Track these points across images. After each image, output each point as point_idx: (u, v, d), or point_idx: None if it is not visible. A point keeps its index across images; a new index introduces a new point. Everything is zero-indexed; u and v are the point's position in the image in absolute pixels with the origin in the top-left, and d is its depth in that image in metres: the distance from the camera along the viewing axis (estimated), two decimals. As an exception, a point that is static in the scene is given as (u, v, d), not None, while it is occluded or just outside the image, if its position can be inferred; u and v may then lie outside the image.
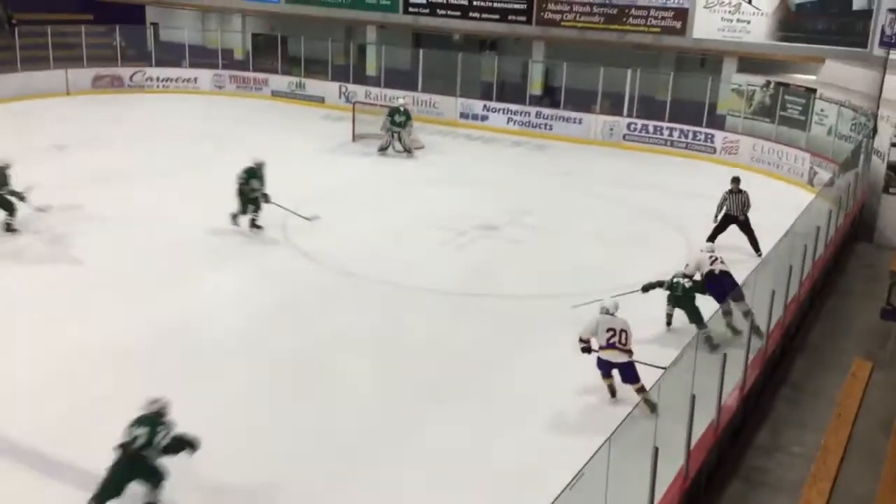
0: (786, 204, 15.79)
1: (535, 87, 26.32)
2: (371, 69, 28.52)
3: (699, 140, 22.66)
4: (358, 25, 29.40)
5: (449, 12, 27.12)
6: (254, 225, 15.00)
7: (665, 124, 23.22)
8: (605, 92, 24.18)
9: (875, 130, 17.59)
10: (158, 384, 9.59)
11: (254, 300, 12.23)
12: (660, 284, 11.33)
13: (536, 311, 12.23)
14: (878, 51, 20.15)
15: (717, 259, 11.23)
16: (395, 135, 21.40)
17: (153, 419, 7.53)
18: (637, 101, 23.82)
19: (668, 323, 11.52)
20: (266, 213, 15.62)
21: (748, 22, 23.09)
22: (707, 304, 10.79)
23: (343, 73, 27.97)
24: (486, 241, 15.27)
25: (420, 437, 9.05)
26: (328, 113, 26.27)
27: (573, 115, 24.33)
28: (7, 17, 28.42)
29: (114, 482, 7.38)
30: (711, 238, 14.03)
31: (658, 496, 6.50)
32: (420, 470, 8.47)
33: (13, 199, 14.27)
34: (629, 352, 9.35)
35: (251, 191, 14.77)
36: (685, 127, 22.93)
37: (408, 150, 21.37)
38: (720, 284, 10.84)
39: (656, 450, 6.19)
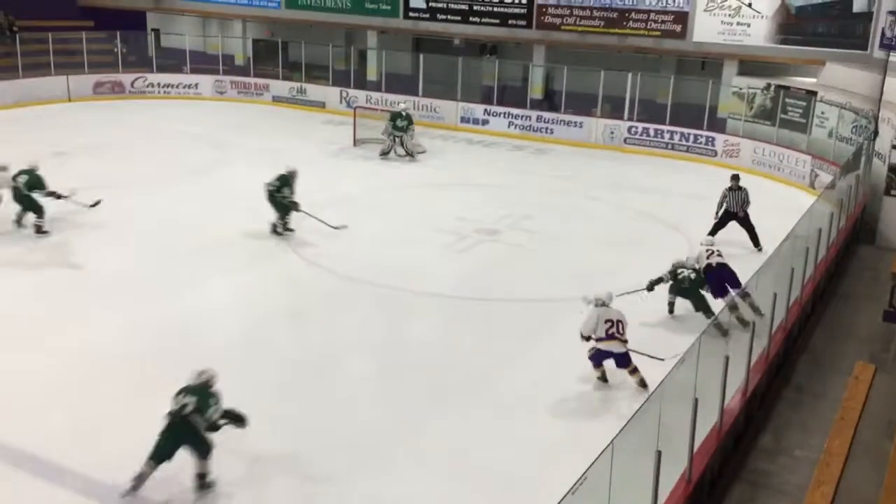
0: (787, 207, 15.81)
1: (536, 91, 26.35)
2: (372, 74, 28.58)
3: (700, 143, 22.66)
4: (358, 30, 29.46)
5: (449, 17, 27.17)
6: (275, 230, 15.08)
7: (666, 127, 23.22)
8: (606, 95, 24.20)
9: (876, 132, 17.59)
10: (163, 389, 9.58)
11: (258, 304, 12.22)
12: (662, 280, 11.80)
13: (538, 315, 12.22)
14: (878, 53, 20.16)
15: (714, 252, 11.74)
16: (397, 139, 21.43)
17: (200, 389, 7.86)
18: (638, 105, 23.84)
19: (671, 311, 11.99)
20: (266, 220, 15.64)
21: (748, 25, 23.12)
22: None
23: (344, 77, 28.01)
24: (487, 245, 15.27)
25: (423, 438, 9.04)
26: (329, 118, 26.30)
27: (574, 118, 24.35)
28: (8, 24, 28.46)
29: (165, 447, 7.75)
30: (711, 234, 14.20)
31: (661, 500, 6.49)
32: (422, 470, 8.47)
33: (44, 200, 14.53)
34: (626, 341, 9.74)
35: (283, 198, 14.92)
36: (686, 130, 22.93)
37: (410, 154, 21.40)
38: (718, 276, 11.44)
39: (659, 453, 6.18)
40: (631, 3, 24.51)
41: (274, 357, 10.67)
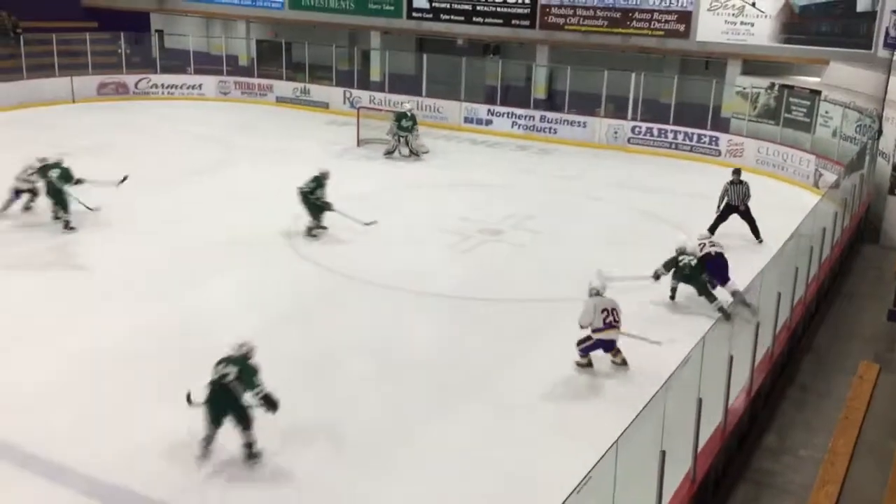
0: (791, 206, 15.81)
1: (539, 91, 26.34)
2: (375, 74, 28.60)
3: (704, 143, 22.64)
4: (362, 31, 29.46)
5: (452, 17, 27.17)
6: (310, 233, 15.20)
7: (669, 127, 23.21)
8: (609, 95, 24.18)
9: (880, 132, 17.56)
10: (166, 389, 9.65)
11: (261, 304, 12.23)
12: (667, 267, 12.46)
13: (541, 314, 12.22)
14: (882, 52, 20.12)
15: (712, 244, 12.53)
16: (402, 139, 21.51)
17: (241, 360, 8.28)
18: (641, 105, 23.84)
19: (673, 297, 12.65)
20: (271, 219, 15.67)
21: (752, 24, 23.09)
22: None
23: (347, 78, 28.04)
24: (490, 245, 15.27)
25: (423, 438, 9.05)
26: (333, 118, 26.32)
27: (577, 118, 24.34)
28: (12, 25, 28.52)
29: (211, 413, 8.25)
30: (713, 227, 14.95)
31: (666, 500, 6.48)
32: (425, 471, 8.48)
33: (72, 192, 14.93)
34: (619, 326, 10.24)
35: (316, 199, 15.10)
36: (690, 130, 22.92)
37: (414, 154, 21.47)
38: (716, 264, 12.24)
39: (663, 453, 6.18)
40: (634, 2, 24.49)
41: (276, 356, 10.58)
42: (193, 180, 18.50)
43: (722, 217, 15.40)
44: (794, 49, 22.77)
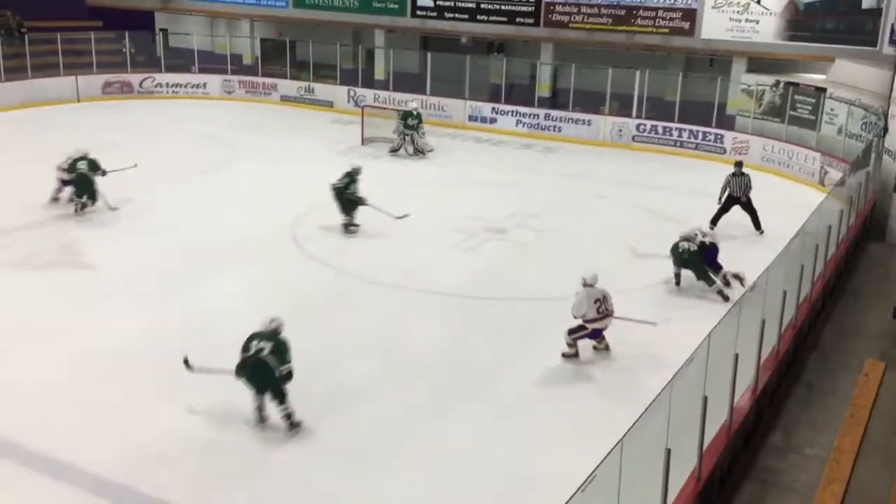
0: (796, 204, 15.80)
1: (544, 89, 26.32)
2: (379, 73, 28.60)
3: (709, 140, 22.61)
4: (366, 29, 29.47)
5: (456, 15, 27.17)
6: (348, 229, 15.35)
7: (674, 125, 23.18)
8: (614, 93, 24.16)
9: (886, 129, 17.51)
10: (169, 389, 9.67)
11: (265, 303, 12.17)
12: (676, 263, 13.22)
13: (545, 313, 12.20)
14: (887, 49, 20.09)
15: (705, 234, 13.35)
16: (407, 137, 21.55)
17: (272, 335, 8.81)
18: (646, 102, 23.82)
19: (678, 283, 13.26)
20: (275, 218, 15.68)
21: (757, 22, 23.05)
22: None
23: (351, 76, 28.03)
24: (495, 244, 15.26)
25: (428, 436, 9.05)
26: (337, 117, 26.32)
27: (582, 116, 24.31)
28: (17, 25, 28.58)
29: (254, 384, 8.82)
30: (715, 219, 15.80)
31: (671, 498, 6.47)
32: (426, 470, 8.48)
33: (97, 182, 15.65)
34: (612, 313, 10.57)
35: (350, 194, 15.27)
36: (695, 128, 22.88)
37: (420, 152, 21.53)
38: (711, 252, 13.06)
39: (668, 451, 6.17)
40: (639, 0, 24.46)
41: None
42: (198, 179, 18.52)
43: (724, 208, 15.85)
44: (799, 46, 22.73)
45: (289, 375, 8.72)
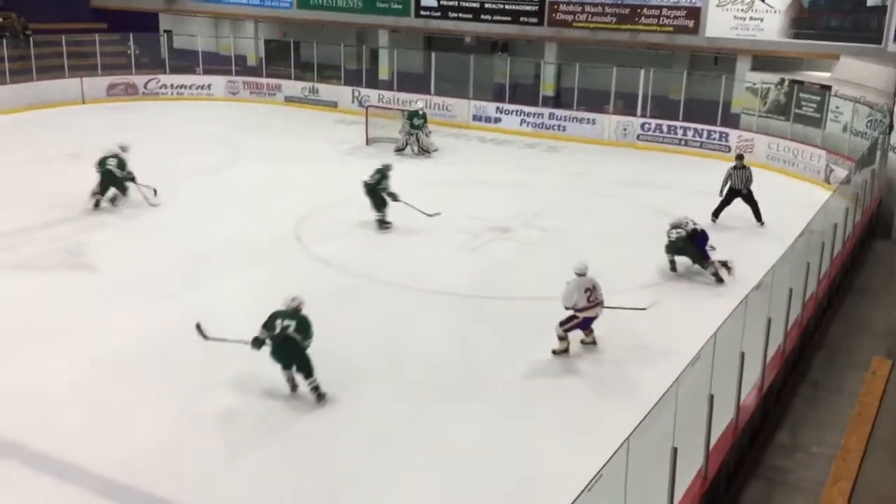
0: (802, 202, 15.78)
1: (548, 88, 26.31)
2: (383, 73, 28.62)
3: (714, 139, 22.58)
4: (370, 29, 29.49)
5: (460, 15, 27.17)
6: (383, 225, 15.53)
7: (679, 124, 23.15)
8: (619, 92, 24.14)
9: (891, 126, 17.46)
10: (175, 390, 9.68)
11: (269, 303, 12.19)
12: (669, 250, 13.77)
13: (548, 313, 12.16)
14: (892, 46, 20.05)
15: (695, 223, 13.76)
16: (413, 136, 21.61)
17: (294, 313, 9.35)
18: (650, 101, 23.78)
19: (673, 269, 13.77)
20: (279, 220, 15.69)
21: (761, 20, 23.02)
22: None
23: (356, 77, 28.05)
24: (499, 243, 15.25)
25: (432, 436, 9.06)
26: (341, 117, 26.34)
27: (586, 115, 24.30)
28: (21, 28, 28.64)
29: (280, 359, 9.39)
30: (717, 211, 16.25)
31: (677, 497, 6.46)
32: (432, 470, 8.48)
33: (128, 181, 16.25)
34: (602, 302, 10.72)
35: (382, 190, 15.49)
36: (699, 126, 22.86)
37: (425, 151, 21.57)
38: (702, 238, 13.56)
39: (675, 450, 6.15)
40: (643, -1, 24.46)
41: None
42: (202, 180, 18.53)
43: (726, 201, 16.23)
44: (803, 44, 22.68)
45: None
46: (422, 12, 27.83)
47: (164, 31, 32.21)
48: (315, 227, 15.55)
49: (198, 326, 9.85)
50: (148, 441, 8.68)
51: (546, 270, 13.98)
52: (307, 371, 9.38)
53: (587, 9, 25.29)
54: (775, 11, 22.82)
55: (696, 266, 13.62)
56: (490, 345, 11.23)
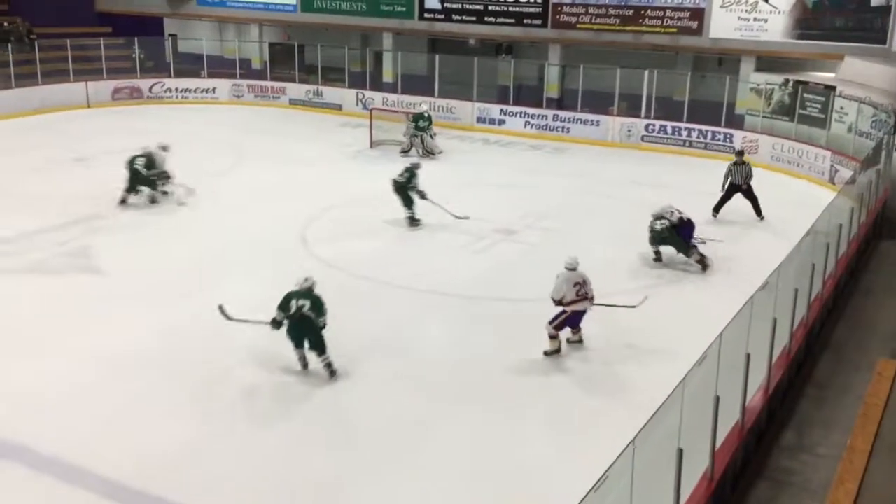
0: (807, 202, 15.76)
1: (552, 90, 26.31)
2: (388, 75, 28.65)
3: (718, 140, 22.57)
4: (374, 32, 29.52)
5: (464, 17, 27.17)
6: (414, 222, 15.81)
7: (683, 125, 23.15)
8: (623, 93, 24.14)
9: (896, 127, 17.46)
10: (181, 391, 9.72)
11: (274, 305, 12.26)
12: (653, 242, 14.20)
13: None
14: (897, 47, 20.00)
15: (680, 212, 14.11)
16: (418, 138, 21.70)
17: (308, 293, 9.89)
18: (655, 102, 23.79)
19: (658, 259, 14.24)
20: (284, 222, 15.72)
21: (765, 20, 22.99)
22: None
23: (360, 80, 28.10)
24: (504, 245, 15.26)
25: (432, 438, 9.08)
26: (346, 120, 26.37)
27: (591, 117, 24.30)
28: (26, 32, 28.72)
29: (293, 337, 9.94)
30: (718, 206, 16.71)
31: (683, 498, 6.46)
32: (435, 470, 8.50)
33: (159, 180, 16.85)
34: (592, 298, 10.82)
35: (411, 188, 15.82)
36: (704, 127, 22.84)
37: (430, 153, 21.62)
38: (688, 227, 14.04)
39: (681, 451, 6.16)
40: (647, 0, 24.43)
41: (286, 357, 10.72)
42: (207, 183, 18.53)
43: (727, 196, 16.69)
44: (808, 45, 22.65)
45: (323, 326, 9.84)
46: (426, 15, 27.84)
47: (169, 34, 32.28)
48: (320, 229, 15.59)
49: (220, 308, 10.47)
50: (156, 444, 8.70)
51: (550, 272, 13.88)
52: (321, 348, 9.87)
53: (591, 10, 25.27)
54: (779, 12, 22.80)
55: (681, 255, 14.06)
56: (492, 346, 11.25)
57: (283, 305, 9.85)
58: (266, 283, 13.11)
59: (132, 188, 16.70)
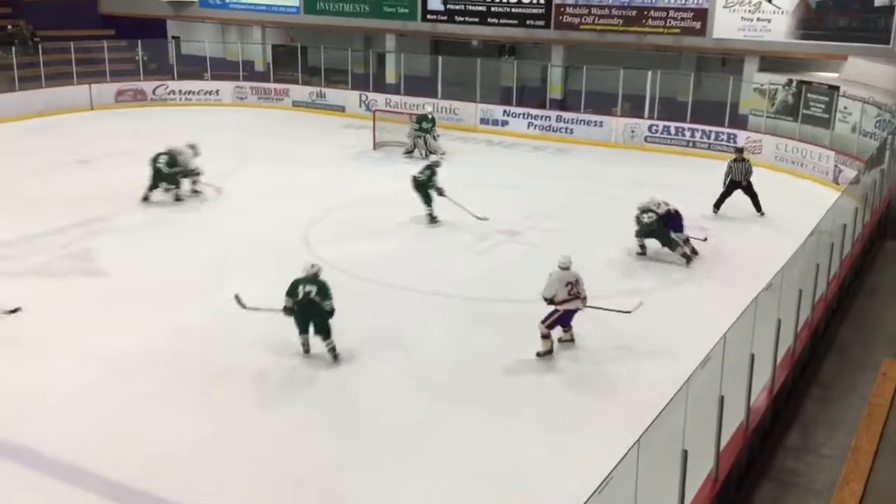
0: (811, 202, 15.73)
1: (555, 91, 26.29)
2: (391, 77, 28.64)
3: (722, 140, 22.54)
4: (377, 34, 29.52)
5: (467, 18, 27.15)
6: (434, 220, 16.00)
7: (687, 125, 23.13)
8: (626, 94, 24.12)
9: (900, 126, 17.42)
10: (186, 391, 9.73)
11: (277, 306, 12.25)
12: (639, 235, 14.43)
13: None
14: (901, 46, 19.96)
15: (667, 204, 14.36)
16: (421, 139, 21.74)
17: (313, 279, 10.35)
18: (658, 103, 23.77)
19: (643, 253, 14.49)
20: (288, 224, 15.71)
21: (769, 21, 22.95)
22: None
23: (363, 81, 28.10)
24: (507, 246, 15.25)
25: (435, 437, 9.09)
26: (349, 122, 26.38)
27: (594, 118, 24.28)
28: (30, 34, 28.77)
29: (300, 323, 10.41)
30: (718, 203, 17.09)
31: (688, 500, 6.44)
32: (432, 469, 8.51)
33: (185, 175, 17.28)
34: (585, 297, 10.87)
35: (431, 186, 16.09)
36: (707, 127, 22.82)
37: (433, 153, 21.62)
38: (676, 219, 14.31)
39: (685, 452, 6.14)
40: (650, 0, 24.40)
41: (290, 359, 10.74)
42: (210, 185, 18.57)
43: (727, 192, 17.03)
44: (811, 45, 22.61)
45: (331, 312, 10.24)
46: (428, 16, 27.82)
47: (172, 37, 32.30)
48: (323, 230, 15.59)
49: (236, 297, 10.93)
50: (161, 445, 8.70)
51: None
52: (326, 332, 10.31)
53: (594, 11, 25.24)
54: (783, 12, 22.76)
55: (666, 248, 14.32)
56: (493, 346, 11.24)
57: (291, 291, 10.29)
58: (269, 284, 13.08)
59: (154, 186, 17.02)
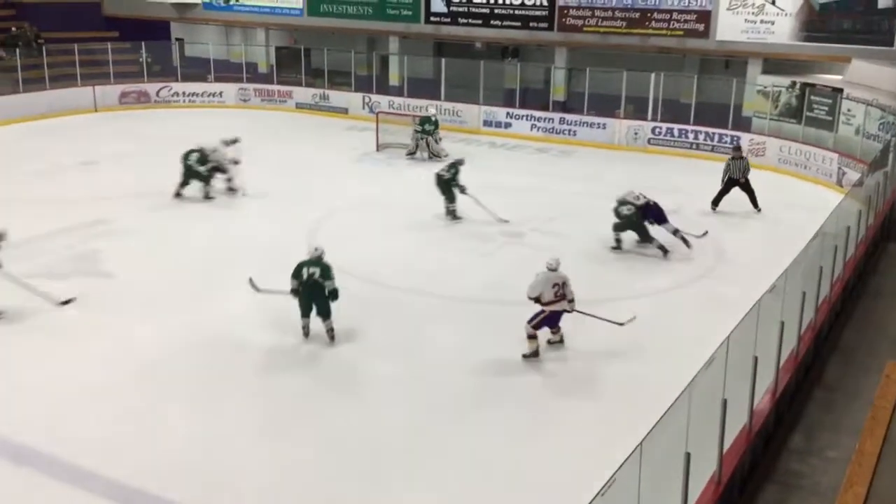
0: (814, 205, 15.77)
1: (558, 93, 26.29)
2: (394, 79, 28.65)
3: (725, 142, 22.50)
4: (380, 36, 29.53)
5: (470, 21, 27.16)
6: (454, 216, 16.27)
7: (690, 127, 23.12)
8: (629, 96, 24.12)
9: (904, 128, 17.42)
10: (190, 395, 9.74)
11: (284, 309, 12.26)
12: (617, 228, 14.64)
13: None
14: (904, 49, 19.94)
15: (645, 196, 14.58)
16: (424, 140, 21.78)
17: (317, 261, 10.74)
18: (661, 105, 23.75)
19: (619, 247, 14.73)
20: (293, 226, 15.72)
21: (772, 23, 22.94)
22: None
23: (366, 83, 28.12)
24: (511, 248, 15.26)
25: (446, 440, 9.08)
26: (352, 124, 26.40)
27: (597, 120, 24.28)
28: (34, 36, 28.82)
29: (303, 305, 10.86)
30: (717, 200, 17.44)
31: (691, 502, 6.44)
32: (444, 475, 8.50)
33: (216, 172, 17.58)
34: (572, 300, 10.87)
35: (455, 183, 16.41)
36: (710, 129, 22.81)
37: (435, 156, 21.65)
38: (657, 210, 14.59)
39: (688, 455, 6.14)
40: (653, 3, 24.39)
41: (295, 361, 10.74)
42: (214, 187, 18.58)
43: (725, 190, 17.36)
44: (814, 47, 22.59)
45: (335, 293, 10.67)
46: (431, 18, 27.83)
47: (176, 39, 32.35)
48: (328, 232, 15.58)
49: (250, 280, 11.43)
50: (166, 448, 8.72)
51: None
52: (326, 313, 10.76)
53: (597, 13, 25.24)
54: (786, 14, 22.75)
55: (644, 242, 14.57)
56: (494, 348, 11.24)
57: (296, 273, 10.67)
58: (273, 285, 13.16)
59: (185, 183, 17.34)
